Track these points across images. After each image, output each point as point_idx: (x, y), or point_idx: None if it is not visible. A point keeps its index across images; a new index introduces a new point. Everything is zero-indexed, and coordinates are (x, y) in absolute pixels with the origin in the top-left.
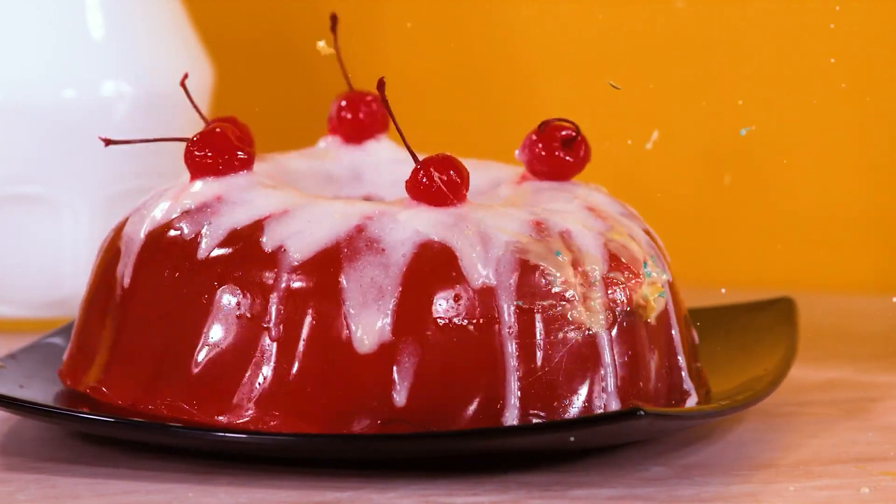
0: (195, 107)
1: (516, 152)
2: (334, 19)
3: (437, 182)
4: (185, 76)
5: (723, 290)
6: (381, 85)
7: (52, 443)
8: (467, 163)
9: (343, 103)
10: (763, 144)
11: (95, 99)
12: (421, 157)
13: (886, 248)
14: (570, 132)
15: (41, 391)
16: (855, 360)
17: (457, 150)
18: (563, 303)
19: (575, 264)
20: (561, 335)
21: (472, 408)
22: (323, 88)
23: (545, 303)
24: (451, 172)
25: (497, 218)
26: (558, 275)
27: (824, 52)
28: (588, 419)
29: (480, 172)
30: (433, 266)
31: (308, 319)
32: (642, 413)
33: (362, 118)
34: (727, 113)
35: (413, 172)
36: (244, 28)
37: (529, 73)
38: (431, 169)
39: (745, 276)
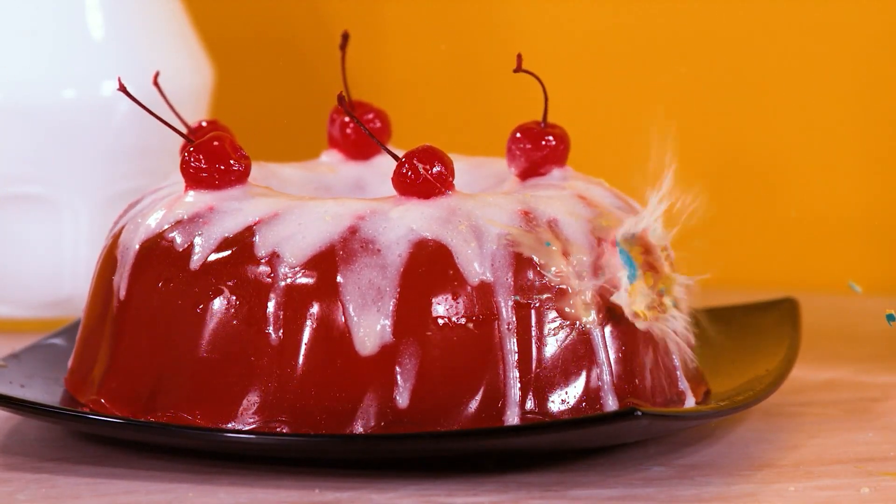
0: (170, 106)
1: (509, 168)
2: (345, 37)
3: (423, 174)
4: (157, 74)
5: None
6: (343, 42)
7: (53, 443)
8: (471, 160)
9: (346, 120)
10: (765, 145)
11: (95, 99)
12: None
13: (887, 249)
14: (539, 123)
15: (42, 391)
16: (855, 360)
17: (457, 150)
18: (559, 295)
19: (566, 254)
20: (557, 329)
21: (473, 407)
22: (323, 89)
23: (542, 297)
24: (436, 163)
25: (485, 208)
26: (552, 267)
27: (826, 53)
28: (587, 419)
29: (484, 170)
30: (430, 266)
31: (308, 323)
32: (640, 413)
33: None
34: (728, 113)
35: (398, 167)
36: (244, 28)
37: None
38: (415, 161)
39: (745, 276)
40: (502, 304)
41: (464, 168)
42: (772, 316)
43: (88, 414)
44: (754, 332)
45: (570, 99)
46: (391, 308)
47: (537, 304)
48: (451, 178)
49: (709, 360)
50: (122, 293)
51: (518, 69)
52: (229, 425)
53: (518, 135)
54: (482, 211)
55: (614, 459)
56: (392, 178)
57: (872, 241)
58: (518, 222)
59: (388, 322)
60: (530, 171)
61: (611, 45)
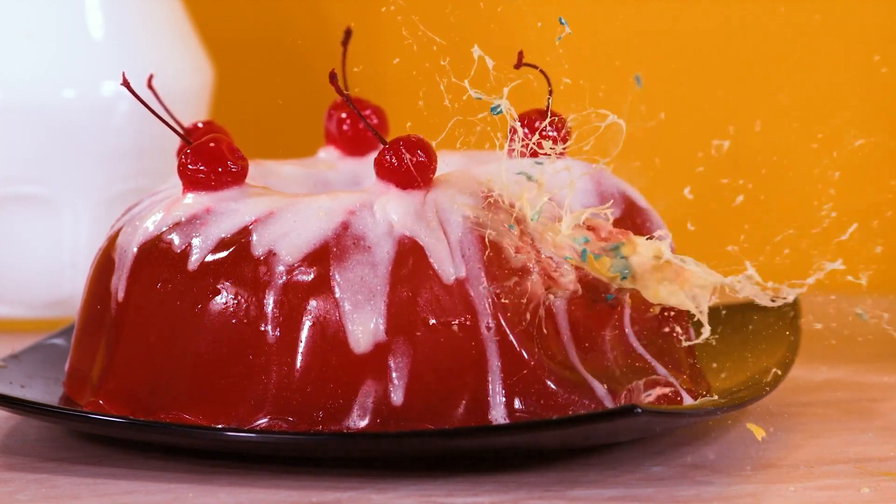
0: (165, 109)
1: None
2: (348, 34)
3: (407, 163)
4: (151, 77)
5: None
6: (346, 38)
7: (53, 443)
8: (469, 154)
9: (343, 115)
10: (765, 144)
11: (95, 99)
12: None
13: (887, 248)
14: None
15: (42, 391)
16: (855, 360)
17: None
18: (529, 279)
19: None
20: (537, 324)
21: (463, 406)
22: (323, 88)
23: (511, 282)
24: (419, 152)
25: (452, 194)
26: (520, 255)
27: (827, 51)
28: (587, 416)
29: (483, 160)
30: (411, 265)
31: (304, 321)
32: (639, 410)
33: (365, 128)
34: (729, 112)
35: (381, 151)
36: (244, 28)
37: (529, 70)
38: (400, 147)
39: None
40: (478, 302)
41: (463, 162)
42: (772, 316)
43: (88, 414)
44: (754, 332)
45: (570, 97)
46: (383, 306)
47: (511, 296)
48: (431, 171)
49: (709, 360)
50: (121, 295)
51: (519, 65)
52: (229, 425)
53: (517, 123)
54: (449, 198)
55: (614, 459)
56: (374, 161)
57: (872, 241)
58: (481, 203)
59: (381, 320)
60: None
61: (610, 43)
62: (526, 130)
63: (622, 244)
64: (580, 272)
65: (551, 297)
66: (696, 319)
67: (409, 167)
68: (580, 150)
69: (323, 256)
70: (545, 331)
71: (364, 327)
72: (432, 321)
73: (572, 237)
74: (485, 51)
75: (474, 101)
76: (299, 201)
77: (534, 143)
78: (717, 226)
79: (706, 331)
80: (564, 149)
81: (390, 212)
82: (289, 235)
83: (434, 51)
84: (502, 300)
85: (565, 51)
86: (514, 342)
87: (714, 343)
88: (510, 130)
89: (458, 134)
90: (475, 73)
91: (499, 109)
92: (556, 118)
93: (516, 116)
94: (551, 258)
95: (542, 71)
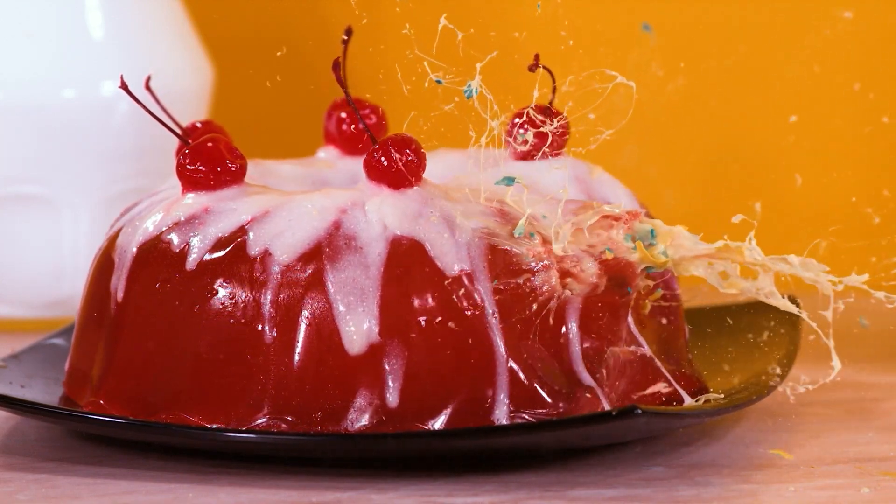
0: (164, 110)
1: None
2: (349, 33)
3: (397, 162)
4: (149, 78)
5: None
6: (346, 37)
7: (53, 443)
8: (467, 151)
9: (342, 115)
10: (765, 144)
11: (95, 99)
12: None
13: (887, 248)
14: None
15: (42, 391)
16: (855, 360)
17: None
18: (536, 277)
19: (545, 241)
20: (544, 317)
21: (462, 405)
22: (323, 88)
23: (521, 279)
24: (408, 151)
25: (457, 203)
26: (530, 255)
27: (829, 50)
28: (587, 418)
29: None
30: (407, 265)
31: (301, 322)
32: (640, 411)
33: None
34: (730, 112)
35: (370, 151)
36: (244, 28)
37: (507, 44)
38: (391, 148)
39: (745, 275)
40: (484, 295)
41: (462, 160)
42: (772, 314)
43: (88, 414)
44: (754, 332)
45: (570, 95)
46: (375, 308)
47: (518, 290)
48: (421, 169)
49: (709, 360)
50: (120, 295)
51: (534, 67)
52: (228, 424)
53: (517, 119)
54: (454, 205)
55: (614, 459)
56: (364, 161)
57: (872, 241)
58: (494, 217)
59: (373, 321)
60: (527, 156)
61: (612, 45)
62: (521, 126)
63: (653, 230)
64: (604, 265)
65: (568, 291)
66: (812, 338)
67: (399, 167)
68: (584, 118)
69: (316, 256)
70: (551, 322)
71: (357, 329)
72: (429, 320)
73: (614, 237)
74: (454, 21)
75: (461, 82)
76: (294, 199)
77: (516, 137)
78: (716, 226)
79: (836, 364)
80: (561, 125)
81: (385, 213)
82: (283, 235)
83: (399, 17)
84: (506, 298)
85: (564, 5)
86: (518, 342)
87: (714, 343)
88: (510, 125)
89: (423, 126)
90: (455, 55)
91: (472, 92)
92: (555, 112)
93: (491, 97)
94: (575, 255)
95: (550, 72)
